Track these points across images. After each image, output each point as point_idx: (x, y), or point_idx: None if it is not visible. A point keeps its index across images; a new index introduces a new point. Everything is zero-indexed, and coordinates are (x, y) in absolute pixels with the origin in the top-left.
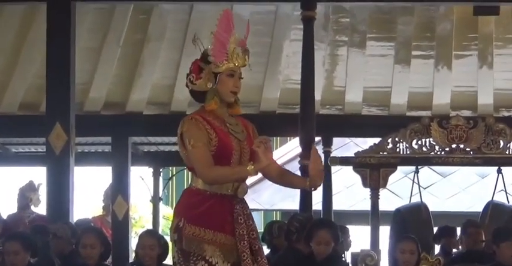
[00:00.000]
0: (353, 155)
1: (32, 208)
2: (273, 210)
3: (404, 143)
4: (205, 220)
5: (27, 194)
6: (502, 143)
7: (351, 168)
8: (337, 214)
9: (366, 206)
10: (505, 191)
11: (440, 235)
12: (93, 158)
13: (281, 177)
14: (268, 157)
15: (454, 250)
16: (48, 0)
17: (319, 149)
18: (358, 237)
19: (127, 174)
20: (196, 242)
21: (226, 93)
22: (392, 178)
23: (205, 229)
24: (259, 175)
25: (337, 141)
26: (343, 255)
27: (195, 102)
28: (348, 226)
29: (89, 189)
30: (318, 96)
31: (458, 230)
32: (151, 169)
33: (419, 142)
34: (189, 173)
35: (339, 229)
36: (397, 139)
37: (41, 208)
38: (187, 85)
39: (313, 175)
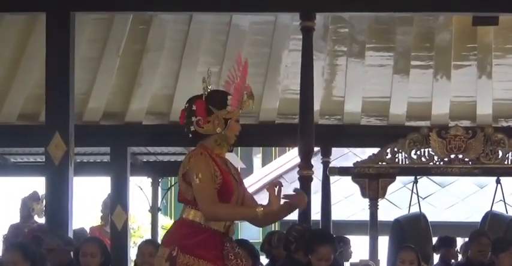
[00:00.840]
0: (352, 165)
1: (36, 218)
2: None
3: (403, 153)
4: (199, 250)
5: (29, 204)
6: (500, 153)
7: (349, 178)
8: (336, 224)
9: (365, 216)
10: (504, 201)
11: (440, 245)
12: (92, 168)
13: (263, 217)
14: (278, 202)
15: (453, 261)
16: (48, 10)
17: (318, 159)
18: (357, 247)
19: (126, 184)
20: None
21: (231, 137)
22: (391, 188)
23: (199, 260)
24: (260, 184)
25: (336, 151)
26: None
27: None
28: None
29: (87, 199)
30: (317, 106)
31: (458, 240)
32: (150, 179)
33: (418, 152)
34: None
35: (340, 240)
36: (396, 149)
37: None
38: (190, 125)
39: (294, 202)
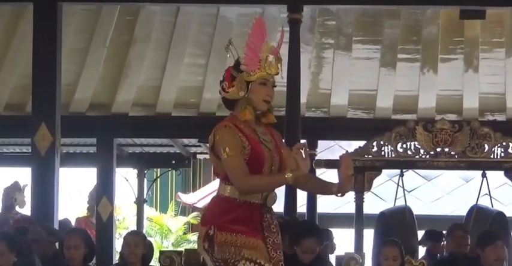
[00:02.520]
0: (338, 158)
1: (17, 208)
2: None
3: (389, 146)
4: (236, 225)
5: (11, 194)
6: (486, 147)
7: (335, 171)
8: (322, 217)
9: (351, 209)
10: (489, 195)
11: (426, 239)
12: (78, 159)
13: (308, 182)
14: (307, 164)
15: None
16: (35, 0)
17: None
18: (343, 240)
19: (112, 175)
20: (230, 247)
21: (258, 102)
22: (377, 181)
23: (237, 234)
24: None
25: (322, 144)
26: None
27: (181, 104)
28: (332, 229)
29: (73, 190)
30: (303, 98)
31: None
32: (136, 171)
33: (404, 145)
34: (176, 176)
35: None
36: (382, 142)
37: (26, 209)
38: (220, 92)
39: (342, 181)
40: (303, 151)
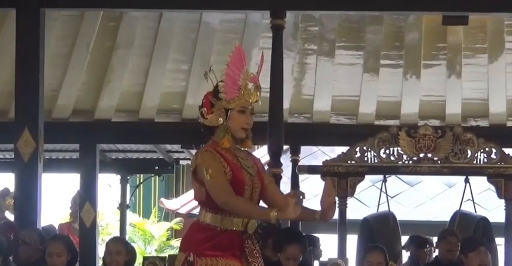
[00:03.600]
0: (321, 164)
1: (7, 213)
2: None
3: (372, 152)
4: (216, 251)
5: (0, 200)
6: (469, 153)
7: (318, 176)
8: (305, 223)
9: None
10: (473, 201)
11: (410, 245)
12: (61, 165)
13: None
14: (296, 212)
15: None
16: (18, 6)
17: (287, 157)
18: (326, 246)
19: (95, 181)
20: None
21: (237, 130)
22: (360, 186)
23: (217, 258)
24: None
25: (305, 150)
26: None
27: (164, 110)
28: (316, 235)
29: (56, 196)
30: (286, 104)
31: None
32: (119, 177)
33: (387, 151)
34: (159, 182)
35: (309, 239)
36: (365, 148)
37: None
38: (199, 118)
39: (325, 208)
40: (298, 198)
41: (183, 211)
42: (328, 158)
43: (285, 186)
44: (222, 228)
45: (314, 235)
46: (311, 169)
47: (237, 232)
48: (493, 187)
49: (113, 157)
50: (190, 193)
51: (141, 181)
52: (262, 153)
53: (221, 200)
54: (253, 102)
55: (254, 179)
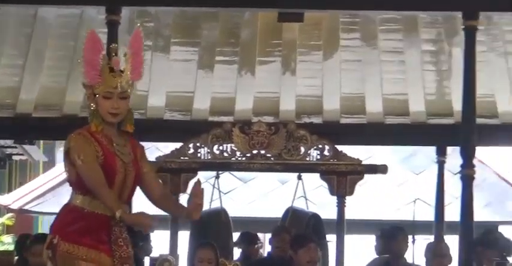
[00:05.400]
0: (154, 159)
1: None
2: None
3: (205, 148)
4: (81, 237)
5: None
6: (302, 149)
7: None
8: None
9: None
10: (305, 197)
11: (241, 241)
12: None
13: (162, 201)
14: (137, 219)
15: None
16: None
17: None
18: (158, 242)
19: None
20: (71, 259)
21: (105, 114)
22: (193, 183)
23: (79, 246)
24: (62, 177)
25: None
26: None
27: (40, 104)
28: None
29: None
30: None
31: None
32: None
33: (221, 147)
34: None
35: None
36: (198, 144)
37: None
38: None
39: (192, 209)
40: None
41: (15, 206)
42: (162, 154)
43: None
44: (89, 210)
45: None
46: None
47: (105, 217)
48: (325, 184)
49: None
50: (23, 189)
51: None
52: None
53: (89, 185)
54: (115, 87)
55: (128, 166)
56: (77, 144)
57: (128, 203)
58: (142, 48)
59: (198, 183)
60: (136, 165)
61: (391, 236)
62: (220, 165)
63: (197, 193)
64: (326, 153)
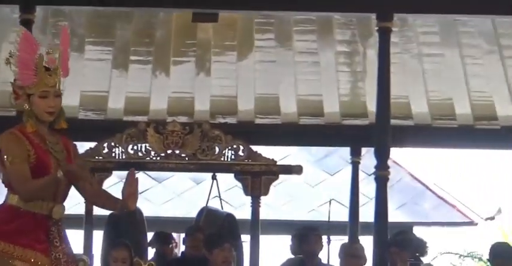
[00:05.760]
0: None
1: None
2: None
3: (120, 148)
4: (17, 237)
5: None
6: (217, 149)
7: None
8: None
9: (80, 210)
10: (219, 197)
11: (155, 241)
12: None
13: (95, 197)
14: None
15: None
16: None
17: None
18: (72, 241)
19: None
20: (5, 258)
21: (41, 114)
22: (107, 182)
23: (15, 246)
24: None
25: None
26: None
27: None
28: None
29: None
30: None
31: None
32: None
33: (135, 147)
34: None
35: None
36: (113, 143)
37: None
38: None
39: (126, 198)
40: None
41: None
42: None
43: None
44: (24, 210)
45: None
46: None
47: (42, 216)
48: (240, 184)
49: None
50: None
51: None
52: None
53: (18, 188)
54: (52, 85)
55: (61, 163)
56: (8, 145)
57: (62, 202)
58: (69, 46)
59: (132, 171)
60: (70, 162)
61: (304, 236)
62: (134, 165)
63: (131, 182)
64: (240, 153)
